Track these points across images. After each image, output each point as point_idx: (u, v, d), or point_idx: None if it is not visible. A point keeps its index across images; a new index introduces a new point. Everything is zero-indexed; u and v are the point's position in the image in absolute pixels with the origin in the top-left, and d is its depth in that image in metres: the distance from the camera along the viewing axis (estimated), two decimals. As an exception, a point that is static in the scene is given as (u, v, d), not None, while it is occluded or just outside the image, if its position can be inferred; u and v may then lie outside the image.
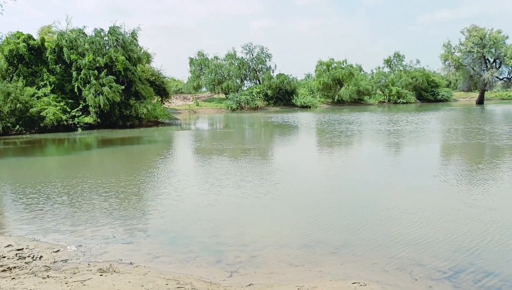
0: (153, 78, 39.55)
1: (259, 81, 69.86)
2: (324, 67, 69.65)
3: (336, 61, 69.74)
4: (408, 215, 7.46)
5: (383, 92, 73.64)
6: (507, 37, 59.50)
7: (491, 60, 61.84)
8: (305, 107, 62.55)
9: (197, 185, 10.57)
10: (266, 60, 69.69)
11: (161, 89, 41.01)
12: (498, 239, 6.20)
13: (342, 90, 66.65)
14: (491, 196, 8.72)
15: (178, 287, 4.75)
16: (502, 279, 4.94)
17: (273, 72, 68.27)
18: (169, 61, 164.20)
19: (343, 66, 68.81)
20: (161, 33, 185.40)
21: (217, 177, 11.45)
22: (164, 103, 42.70)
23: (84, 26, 33.52)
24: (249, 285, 4.89)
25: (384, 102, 71.66)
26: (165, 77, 43.41)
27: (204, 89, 73.21)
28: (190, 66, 71.04)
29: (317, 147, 19.15)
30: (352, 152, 16.97)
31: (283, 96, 64.34)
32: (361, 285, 4.76)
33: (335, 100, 67.36)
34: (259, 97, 63.16)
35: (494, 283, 4.85)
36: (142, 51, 37.48)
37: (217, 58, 70.09)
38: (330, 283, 4.84)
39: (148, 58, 40.01)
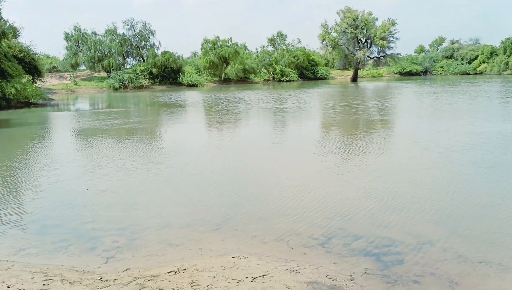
0: (22, 54, 35.88)
1: (143, 59, 67.30)
2: (210, 45, 69.36)
3: (222, 39, 69.95)
4: (287, 188, 7.77)
5: (267, 71, 75.76)
6: (376, 19, 64.94)
7: (363, 41, 66.96)
8: (192, 85, 61.95)
9: (74, 170, 9.86)
10: (149, 37, 67.33)
11: (31, 66, 37.36)
12: (365, 204, 6.73)
13: (228, 69, 67.15)
14: (362, 166, 9.48)
15: (46, 280, 4.38)
16: (369, 241, 5.36)
17: (158, 50, 66.22)
18: (42, 37, 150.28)
19: (229, 45, 69.19)
20: (31, 5, 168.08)
21: (97, 161, 10.81)
22: (36, 82, 39.00)
23: None
24: (126, 269, 4.68)
25: (269, 80, 73.87)
26: (36, 54, 39.71)
27: (83, 67, 68.23)
28: (66, 42, 65.44)
29: (206, 127, 19.06)
30: (240, 130, 17.20)
31: (169, 74, 62.83)
32: (240, 258, 4.83)
33: (222, 78, 67.74)
34: (144, 76, 60.89)
35: (361, 245, 5.25)
36: (8, 24, 33.65)
37: (95, 34, 65.51)
38: (210, 259, 4.84)
39: (15, 32, 36.24)
